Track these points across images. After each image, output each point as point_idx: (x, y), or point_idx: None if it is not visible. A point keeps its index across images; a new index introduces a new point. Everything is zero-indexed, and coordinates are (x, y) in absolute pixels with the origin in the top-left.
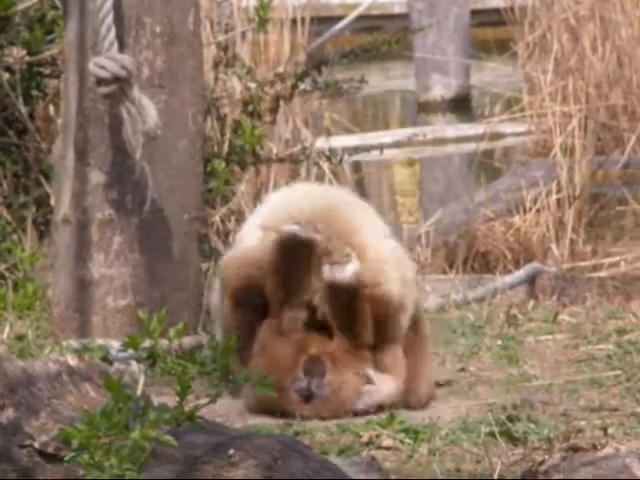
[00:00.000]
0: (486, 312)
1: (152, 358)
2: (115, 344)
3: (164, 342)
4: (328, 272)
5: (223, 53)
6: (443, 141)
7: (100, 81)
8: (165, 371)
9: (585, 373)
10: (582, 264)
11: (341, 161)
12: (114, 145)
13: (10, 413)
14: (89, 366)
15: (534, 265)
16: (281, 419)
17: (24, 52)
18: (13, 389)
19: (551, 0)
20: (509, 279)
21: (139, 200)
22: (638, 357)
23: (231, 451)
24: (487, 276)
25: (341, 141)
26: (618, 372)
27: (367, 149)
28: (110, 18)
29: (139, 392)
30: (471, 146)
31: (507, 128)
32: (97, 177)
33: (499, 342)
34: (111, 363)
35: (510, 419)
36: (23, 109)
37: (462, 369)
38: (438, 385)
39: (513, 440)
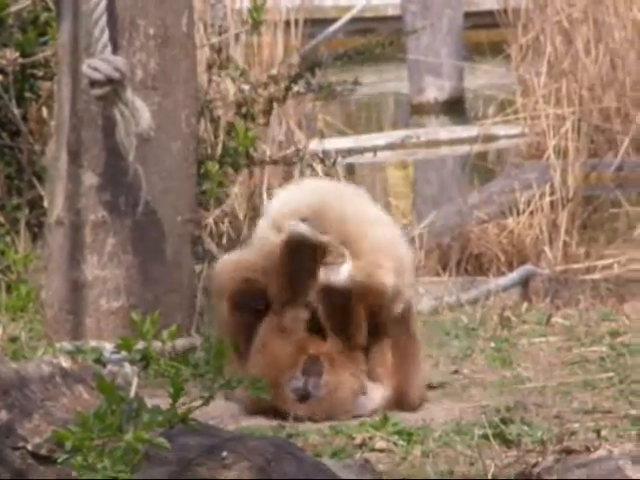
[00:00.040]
0: (479, 314)
1: (145, 360)
2: (108, 346)
3: (157, 344)
4: (322, 274)
5: (217, 55)
6: (436, 143)
7: (93, 83)
8: (158, 373)
9: (578, 375)
10: (575, 266)
11: (334, 163)
12: (107, 147)
13: (3, 415)
14: (82, 368)
15: (527, 267)
16: (274, 421)
17: (17, 54)
18: (6, 391)
19: (544, 2)
20: (502, 281)
21: (132, 202)
22: (631, 359)
23: (224, 453)
24: (480, 278)
25: (334, 143)
26: (611, 374)
27: (360, 151)
28: (103, 20)
29: (132, 394)
30: (464, 148)
31: (500, 130)
32: (90, 179)
33: (492, 344)
34: (104, 365)
35: (503, 421)
36: (16, 111)
37: (455, 371)
38: (431, 387)
39: (506, 442)
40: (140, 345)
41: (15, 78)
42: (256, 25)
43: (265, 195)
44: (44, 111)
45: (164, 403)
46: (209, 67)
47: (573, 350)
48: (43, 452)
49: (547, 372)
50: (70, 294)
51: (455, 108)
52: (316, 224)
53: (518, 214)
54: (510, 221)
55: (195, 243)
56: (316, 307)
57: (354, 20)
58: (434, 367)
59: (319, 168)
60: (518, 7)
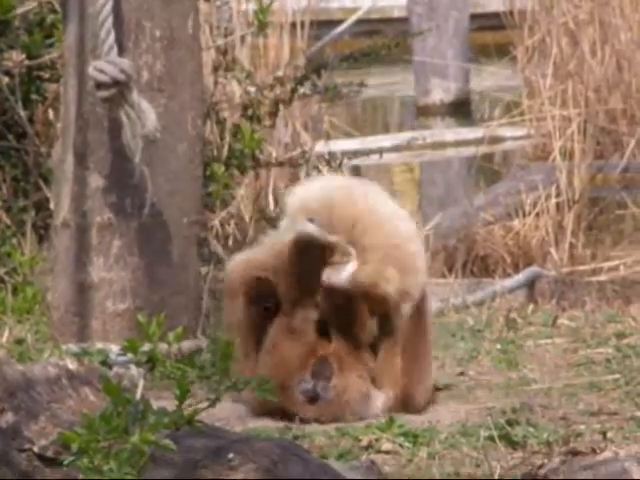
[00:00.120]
0: (485, 316)
1: (151, 362)
2: (114, 348)
3: (163, 346)
4: (324, 274)
5: (222, 57)
6: (442, 145)
7: (99, 85)
8: (164, 375)
9: (584, 377)
10: (581, 268)
11: (340, 165)
12: (113, 149)
13: (9, 417)
14: (88, 370)
15: (533, 269)
16: (281, 422)
17: (23, 56)
18: (12, 393)
19: (550, 4)
20: (508, 283)
21: (138, 204)
22: (637, 361)
23: (230, 455)
24: (486, 280)
25: (340, 145)
26: (617, 376)
27: (366, 153)
28: (110, 22)
29: (138, 396)
30: (470, 150)
31: (506, 132)
32: (96, 181)
33: (498, 346)
34: (110, 367)
35: (509, 423)
36: (22, 113)
37: (461, 373)
38: (437, 389)
39: (512, 444)
40: (146, 347)
41: (21, 80)
42: (262, 27)
43: (271, 197)
44: (50, 113)
45: (170, 405)
46: (215, 69)
47: (579, 352)
48: (49, 454)
49: (553, 374)
50: (76, 296)
51: (461, 110)
52: (324, 223)
53: (524, 216)
54: (516, 223)
55: (201, 245)
56: (322, 307)
57: (360, 22)
58: (440, 369)
59: (325, 170)
60: (524, 9)
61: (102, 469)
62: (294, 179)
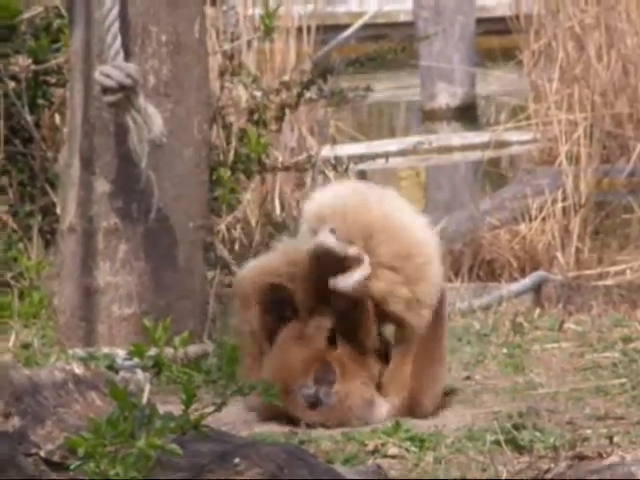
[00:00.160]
0: (492, 320)
1: (158, 366)
2: (121, 352)
3: (169, 350)
4: (332, 280)
5: (229, 62)
6: (449, 149)
7: (106, 90)
8: (170, 379)
9: (591, 381)
10: (588, 272)
11: (347, 169)
12: (120, 154)
13: (16, 421)
14: (95, 374)
15: (540, 273)
16: (287, 427)
17: (30, 61)
18: (19, 397)
19: (556, 8)
20: (515, 287)
21: (145, 209)
22: None
23: (236, 459)
24: (493, 284)
25: (347, 149)
26: (624, 380)
27: (372, 157)
28: (116, 27)
29: (145, 400)
30: (477, 154)
31: (513, 136)
32: (103, 186)
33: (505, 350)
34: (117, 371)
35: (516, 427)
36: (29, 118)
37: (468, 377)
38: (444, 393)
39: (519, 448)
40: (152, 352)
41: (28, 85)
42: (268, 31)
43: (277, 201)
44: (57, 118)
45: (176, 409)
46: (221, 74)
47: (585, 356)
48: (56, 459)
49: (559, 378)
50: (82, 301)
51: (467, 114)
52: (342, 232)
53: (530, 220)
54: (522, 227)
55: (207, 249)
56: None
57: (366, 26)
58: (446, 373)
59: (331, 174)
60: (530, 13)
61: (108, 474)
62: (300, 184)
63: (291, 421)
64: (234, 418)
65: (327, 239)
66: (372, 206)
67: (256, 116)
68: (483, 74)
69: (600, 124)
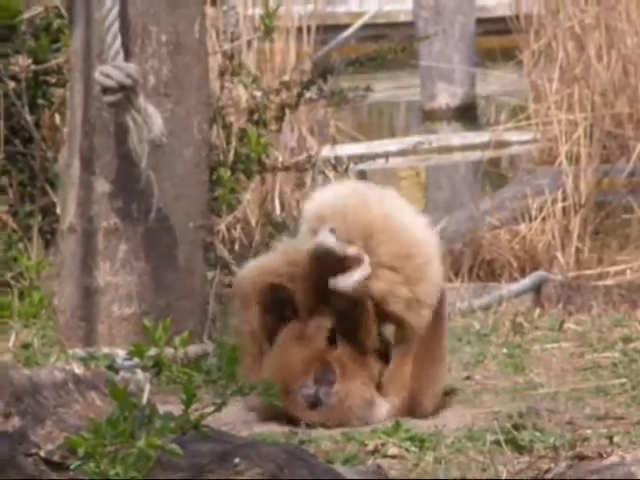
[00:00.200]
0: (492, 320)
1: (158, 366)
2: (121, 352)
3: (169, 350)
4: (332, 280)
5: (229, 62)
6: (449, 149)
7: (106, 90)
8: (171, 379)
9: (591, 381)
10: (588, 272)
11: (347, 169)
12: (120, 154)
13: (16, 421)
14: (95, 374)
15: (540, 273)
16: (287, 427)
17: (30, 61)
18: (19, 398)
19: (557, 8)
20: (515, 287)
21: (145, 208)
22: None
23: (236, 459)
24: (493, 284)
25: (347, 149)
26: (624, 380)
27: (372, 157)
28: (116, 27)
29: (145, 400)
30: (477, 154)
31: (513, 136)
32: (103, 186)
33: (505, 350)
34: (117, 371)
35: (516, 427)
36: (29, 118)
37: (468, 377)
38: (444, 393)
39: (519, 448)
40: (152, 352)
41: (28, 85)
42: (268, 31)
43: (277, 201)
44: (57, 118)
45: (176, 409)
46: (221, 74)
47: (585, 356)
48: (56, 459)
49: (559, 378)
50: (82, 300)
51: (467, 114)
52: (342, 232)
53: (530, 220)
54: (522, 227)
55: (207, 249)
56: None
57: (366, 26)
58: (446, 373)
59: (331, 175)
60: (530, 13)
61: (108, 474)
62: (300, 184)
63: (291, 421)
64: (234, 418)
65: (327, 239)
66: (372, 206)
67: (256, 116)
68: (483, 74)
69: (600, 124)
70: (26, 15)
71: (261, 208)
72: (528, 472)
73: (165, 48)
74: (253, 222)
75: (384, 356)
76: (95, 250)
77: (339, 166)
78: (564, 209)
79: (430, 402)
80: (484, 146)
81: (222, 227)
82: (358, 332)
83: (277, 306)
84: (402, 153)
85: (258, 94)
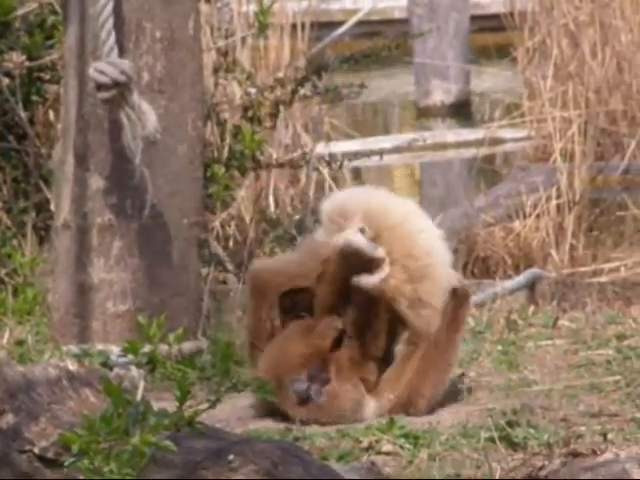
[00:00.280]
0: (486, 317)
1: (152, 363)
2: (115, 349)
3: (164, 347)
4: (355, 278)
5: (223, 58)
6: (443, 146)
7: (100, 86)
8: (165, 376)
9: (585, 378)
10: (582, 269)
11: (341, 166)
12: (114, 150)
13: (10, 418)
14: (89, 371)
15: (534, 270)
16: (281, 424)
17: (24, 57)
18: (13, 394)
19: (551, 5)
20: (509, 284)
21: (139, 205)
22: (638, 362)
23: (231, 456)
24: (487, 281)
25: (341, 146)
26: (618, 377)
27: (367, 154)
28: (110, 23)
29: (139, 397)
30: (471, 151)
31: (507, 133)
32: (97, 182)
33: (499, 347)
34: (111, 368)
35: (510, 424)
36: (23, 114)
37: (462, 374)
38: None
39: (513, 445)
40: (146, 348)
41: (22, 81)
42: (263, 28)
43: (271, 198)
44: (51, 114)
45: (171, 406)
46: (215, 70)
47: (580, 353)
48: (50, 455)
49: (553, 375)
50: (76, 297)
51: (461, 111)
52: (370, 232)
53: (525, 217)
54: (517, 224)
55: (201, 246)
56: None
57: (360, 23)
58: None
59: (325, 171)
60: (524, 10)
61: (102, 470)
62: (294, 180)
63: (286, 417)
64: (228, 415)
65: (356, 239)
66: (393, 208)
67: (250, 113)
68: (477, 71)
69: (594, 121)
70: (20, 11)
71: (255, 205)
72: (522, 469)
73: (159, 44)
74: (247, 219)
75: (384, 365)
76: (89, 247)
77: (333, 163)
78: (558, 206)
79: (424, 405)
80: (478, 143)
81: (216, 224)
82: (368, 333)
83: (295, 308)
84: (396, 150)
85: (252, 91)
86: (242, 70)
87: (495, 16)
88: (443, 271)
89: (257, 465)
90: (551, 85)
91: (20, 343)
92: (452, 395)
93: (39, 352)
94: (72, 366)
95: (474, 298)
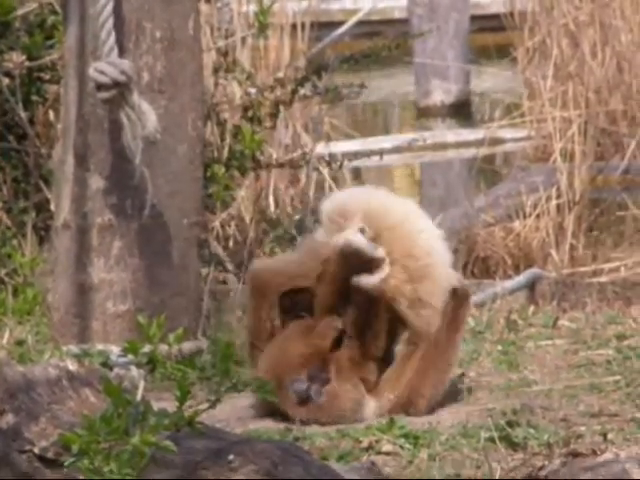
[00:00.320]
0: (486, 317)
1: (152, 363)
2: (115, 349)
3: (164, 347)
4: (355, 277)
5: (223, 58)
6: (443, 146)
7: (100, 86)
8: (165, 376)
9: (585, 378)
10: (582, 269)
11: (341, 166)
12: (114, 150)
13: (10, 418)
14: (89, 371)
15: (534, 270)
16: (281, 424)
17: (24, 57)
18: (13, 394)
19: (551, 5)
20: (509, 284)
21: (139, 205)
22: (638, 362)
23: (231, 456)
24: (487, 281)
25: (341, 146)
26: (618, 377)
27: (367, 154)
28: (110, 23)
29: (139, 397)
30: (471, 151)
31: (507, 133)
32: (97, 182)
33: (499, 347)
34: (111, 368)
35: (510, 424)
36: (23, 114)
37: (462, 374)
38: None
39: (513, 445)
40: (146, 348)
41: (22, 81)
42: (263, 28)
43: (271, 198)
44: (51, 114)
45: (171, 406)
46: (215, 70)
47: (580, 353)
48: (50, 455)
49: (553, 375)
50: (76, 297)
51: (461, 111)
52: (370, 232)
53: (524, 217)
54: (517, 224)
55: (201, 246)
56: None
57: (360, 23)
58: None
59: (325, 171)
60: (524, 10)
61: (102, 470)
62: (294, 180)
63: (286, 417)
64: (228, 415)
65: (357, 239)
66: (393, 207)
67: (250, 113)
68: (477, 71)
69: (594, 121)
70: (20, 11)
71: (255, 205)
72: (522, 469)
73: (159, 44)
74: (247, 219)
75: (384, 365)
76: (89, 247)
77: (333, 163)
78: (558, 206)
79: (424, 405)
80: (478, 143)
81: (216, 224)
82: (368, 333)
83: (295, 308)
84: (396, 150)
85: (252, 91)
86: (242, 70)
87: (495, 16)
88: (443, 271)
89: (257, 465)
90: (551, 85)
91: (20, 343)
92: (452, 395)
93: (39, 352)
94: (72, 366)
95: (474, 298)
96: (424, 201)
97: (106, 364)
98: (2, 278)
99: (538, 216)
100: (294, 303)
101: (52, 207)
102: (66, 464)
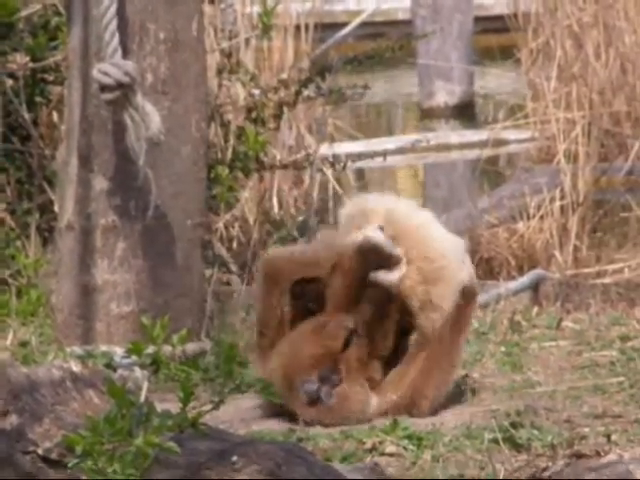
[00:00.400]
0: (490, 318)
1: (155, 364)
2: (119, 350)
3: (167, 348)
4: (372, 273)
5: (227, 60)
6: (447, 147)
7: (104, 87)
8: (168, 377)
9: (589, 379)
10: (586, 270)
11: (345, 167)
12: (117, 151)
13: (14, 419)
14: (93, 372)
15: (538, 271)
16: (285, 425)
17: (28, 58)
18: (17, 395)
19: (555, 7)
20: (513, 285)
21: (142, 206)
22: None
23: (234, 457)
24: (491, 282)
25: (345, 147)
26: (621, 379)
27: (371, 155)
28: (114, 24)
29: (142, 398)
30: (475, 152)
31: (511, 135)
32: (100, 183)
33: (503, 348)
34: (115, 369)
35: (514, 425)
36: (27, 115)
37: (466, 375)
38: None
39: (517, 446)
40: (150, 349)
41: (26, 82)
42: (266, 29)
43: (275, 199)
44: (54, 115)
45: (174, 407)
46: (219, 71)
47: (583, 354)
48: (53, 456)
49: (557, 376)
50: (80, 298)
51: (465, 112)
52: (387, 231)
53: (528, 218)
54: (520, 225)
55: (205, 247)
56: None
57: (364, 24)
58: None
59: (329, 172)
60: (528, 11)
61: (106, 471)
62: (298, 182)
63: (290, 417)
64: (232, 416)
65: (376, 235)
66: (413, 213)
67: (254, 114)
68: (481, 72)
69: (598, 122)
70: (24, 13)
71: (259, 206)
72: (526, 470)
73: (163, 46)
74: (251, 220)
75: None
76: (93, 248)
77: (337, 164)
78: (562, 207)
79: (428, 406)
80: (482, 144)
81: (220, 225)
82: (379, 331)
83: (306, 296)
84: (400, 151)
85: (256, 92)
86: (246, 71)
87: (499, 17)
88: (456, 275)
89: (260, 466)
90: (555, 86)
91: (24, 344)
92: (456, 396)
93: (43, 353)
94: (76, 367)
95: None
96: (428, 202)
97: (110, 365)
98: (6, 279)
99: (542, 217)
100: (304, 292)
101: (56, 208)
102: (70, 465)
